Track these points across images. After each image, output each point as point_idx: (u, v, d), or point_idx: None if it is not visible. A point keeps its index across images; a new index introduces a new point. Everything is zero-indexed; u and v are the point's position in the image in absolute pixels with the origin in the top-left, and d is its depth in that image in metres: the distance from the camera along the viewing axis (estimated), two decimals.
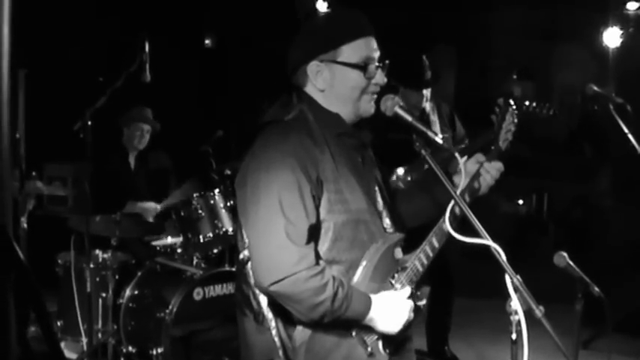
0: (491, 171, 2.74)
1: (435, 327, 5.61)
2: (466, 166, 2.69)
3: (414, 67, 5.28)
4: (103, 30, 7.72)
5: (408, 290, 2.55)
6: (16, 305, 1.30)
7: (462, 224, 2.52)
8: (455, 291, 5.60)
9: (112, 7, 7.83)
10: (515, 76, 10.08)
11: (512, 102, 2.81)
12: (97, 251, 5.21)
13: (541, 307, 2.15)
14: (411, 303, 2.54)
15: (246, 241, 2.46)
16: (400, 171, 4.88)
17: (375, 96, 2.59)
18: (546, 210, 8.78)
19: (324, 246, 2.42)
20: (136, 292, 5.12)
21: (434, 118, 5.39)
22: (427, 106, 5.35)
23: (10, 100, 1.50)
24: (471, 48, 9.24)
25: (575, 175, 7.94)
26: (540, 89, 10.16)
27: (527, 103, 4.56)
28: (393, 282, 2.55)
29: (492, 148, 2.78)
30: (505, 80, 9.77)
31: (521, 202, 8.93)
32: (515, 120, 2.81)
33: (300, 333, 2.40)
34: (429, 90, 5.30)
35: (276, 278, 2.28)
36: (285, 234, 2.30)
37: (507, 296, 2.21)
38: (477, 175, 2.73)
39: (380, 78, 2.57)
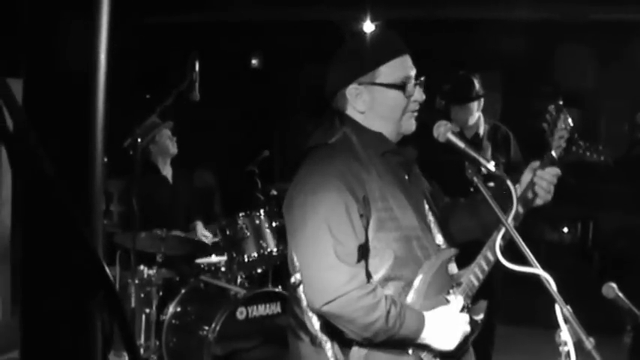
0: (546, 176, 2.67)
1: (476, 355, 5.49)
2: (517, 190, 2.61)
3: (459, 83, 5.29)
4: (153, 49, 7.84)
5: (460, 302, 2.51)
6: (102, 327, 1.33)
7: (507, 247, 2.50)
8: (498, 318, 5.48)
9: (161, 26, 7.95)
10: (560, 102, 9.98)
11: (563, 105, 2.76)
12: (142, 267, 5.24)
13: (591, 339, 2.13)
14: (465, 316, 2.51)
15: (297, 264, 2.47)
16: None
17: (416, 113, 2.62)
18: (591, 239, 8.65)
19: (387, 264, 2.41)
20: (180, 310, 5.16)
21: (487, 143, 5.31)
22: (481, 130, 5.31)
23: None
24: (516, 74, 9.17)
25: (623, 205, 7.82)
26: (587, 116, 10.05)
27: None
28: (449, 298, 2.52)
29: (545, 156, 2.71)
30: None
31: (566, 230, 8.80)
32: (569, 126, 2.74)
33: (356, 353, 2.40)
34: (479, 111, 5.26)
35: (327, 299, 2.28)
36: (335, 254, 2.31)
37: (550, 324, 2.19)
38: (531, 185, 2.69)
39: (419, 95, 2.59)
